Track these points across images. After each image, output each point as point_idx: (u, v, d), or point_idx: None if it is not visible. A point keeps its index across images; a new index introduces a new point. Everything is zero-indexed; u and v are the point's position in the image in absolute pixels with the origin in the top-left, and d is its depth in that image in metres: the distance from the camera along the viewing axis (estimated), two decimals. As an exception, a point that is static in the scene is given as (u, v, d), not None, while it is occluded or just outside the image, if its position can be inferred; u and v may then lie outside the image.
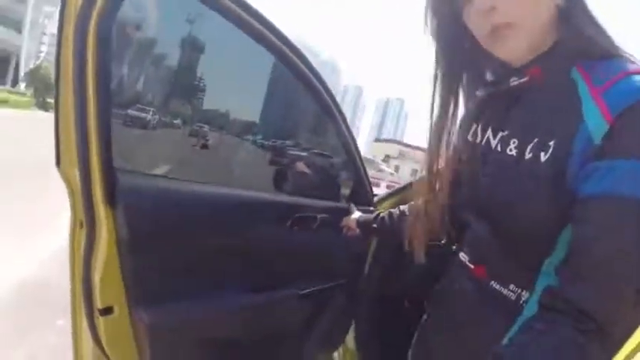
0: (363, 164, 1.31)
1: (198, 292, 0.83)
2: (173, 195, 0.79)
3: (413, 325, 0.84)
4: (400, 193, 1.42)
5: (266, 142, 1.19)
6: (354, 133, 1.27)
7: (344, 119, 1.20)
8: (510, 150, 0.55)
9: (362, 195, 1.31)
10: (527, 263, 0.54)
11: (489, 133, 0.60)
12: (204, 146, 1.03)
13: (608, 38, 0.52)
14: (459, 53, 0.61)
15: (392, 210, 0.96)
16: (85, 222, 0.71)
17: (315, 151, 1.35)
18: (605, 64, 0.49)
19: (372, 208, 1.30)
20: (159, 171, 0.87)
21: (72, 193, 0.75)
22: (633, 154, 0.43)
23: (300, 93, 1.10)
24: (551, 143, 0.50)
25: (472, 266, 0.65)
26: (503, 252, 0.59)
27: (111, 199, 0.69)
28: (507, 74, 0.58)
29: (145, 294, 0.75)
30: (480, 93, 0.63)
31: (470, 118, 0.65)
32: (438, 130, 0.62)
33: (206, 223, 0.84)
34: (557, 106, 0.51)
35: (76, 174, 0.70)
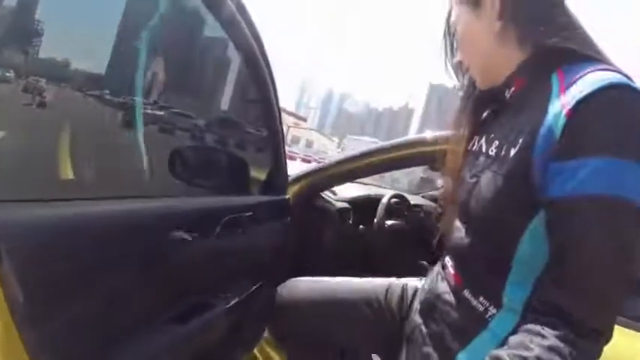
0: (284, 146, 1.21)
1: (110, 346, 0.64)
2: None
3: None
4: (313, 176, 1.37)
5: (150, 113, 0.88)
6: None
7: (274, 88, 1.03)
8: (492, 150, 0.58)
9: (277, 184, 1.21)
10: (496, 273, 0.55)
11: (483, 138, 0.64)
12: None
13: (586, 48, 0.54)
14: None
15: None
16: None
17: (222, 129, 1.15)
18: (581, 65, 0.51)
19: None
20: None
21: None
22: (595, 152, 0.43)
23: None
24: (520, 140, 0.52)
25: (452, 272, 0.66)
26: (476, 258, 0.61)
27: None
28: (501, 89, 0.62)
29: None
30: (486, 110, 0.69)
31: (474, 131, 0.69)
32: (453, 147, 0.70)
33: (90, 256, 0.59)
34: (534, 107, 0.52)
35: None
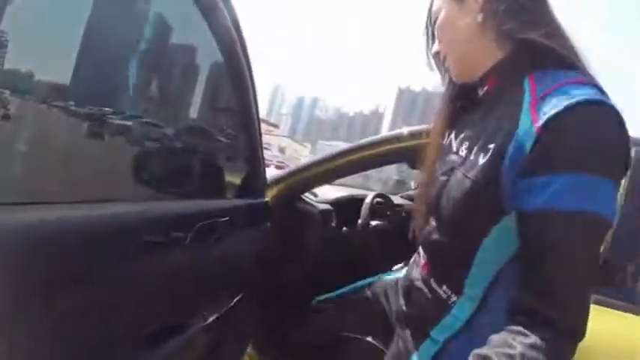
0: (262, 148, 1.12)
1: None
2: None
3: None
4: (291, 177, 1.29)
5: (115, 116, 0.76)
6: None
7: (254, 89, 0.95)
8: (462, 151, 0.59)
9: (255, 187, 1.12)
10: (459, 265, 0.58)
11: (453, 136, 0.65)
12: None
13: (565, 48, 0.53)
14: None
15: None
16: None
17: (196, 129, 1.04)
18: (554, 74, 0.51)
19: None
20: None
21: None
22: (565, 168, 0.45)
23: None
24: (491, 147, 0.52)
25: (423, 262, 0.69)
26: (443, 251, 0.64)
27: None
28: (475, 87, 0.63)
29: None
30: (458, 105, 0.69)
31: (447, 127, 0.70)
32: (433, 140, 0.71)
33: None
34: (504, 113, 0.53)
35: None
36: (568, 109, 0.45)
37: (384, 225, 1.56)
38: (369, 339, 0.96)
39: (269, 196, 1.27)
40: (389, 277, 0.92)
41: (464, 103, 0.68)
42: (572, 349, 0.47)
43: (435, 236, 0.64)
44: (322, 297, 1.08)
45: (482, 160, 0.52)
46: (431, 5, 0.67)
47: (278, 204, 1.29)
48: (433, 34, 0.67)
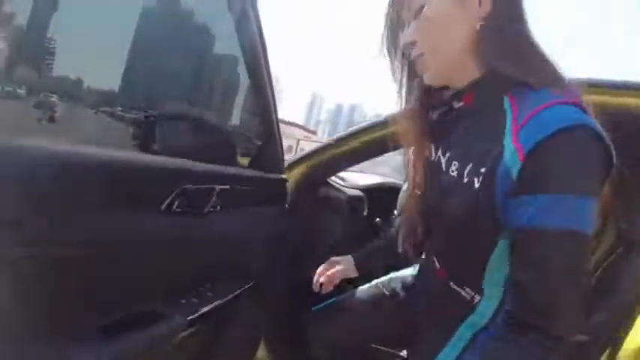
0: (277, 121, 0.97)
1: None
2: None
3: None
4: (312, 157, 1.13)
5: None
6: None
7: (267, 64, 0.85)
8: (453, 171, 0.59)
9: (271, 160, 0.97)
10: (475, 271, 0.61)
11: (440, 152, 0.64)
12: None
13: (545, 65, 0.54)
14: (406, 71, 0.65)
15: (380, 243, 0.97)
16: None
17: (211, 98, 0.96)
18: (534, 95, 0.51)
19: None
20: None
21: None
22: (550, 188, 0.48)
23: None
24: (483, 170, 0.53)
25: (438, 267, 0.71)
26: (457, 259, 0.66)
27: None
28: (451, 98, 0.62)
29: None
30: (433, 114, 0.68)
31: (426, 137, 0.68)
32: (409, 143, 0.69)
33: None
34: (488, 135, 0.54)
35: None
36: (548, 139, 0.47)
37: None
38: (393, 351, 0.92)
39: (290, 180, 1.11)
40: (402, 275, 0.91)
41: (439, 115, 0.66)
42: (561, 353, 0.50)
43: (447, 246, 0.67)
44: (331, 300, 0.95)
45: (477, 184, 0.54)
46: None
47: (301, 186, 1.14)
48: (399, 22, 0.60)
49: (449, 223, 0.60)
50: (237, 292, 0.79)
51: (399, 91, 0.66)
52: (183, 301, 0.64)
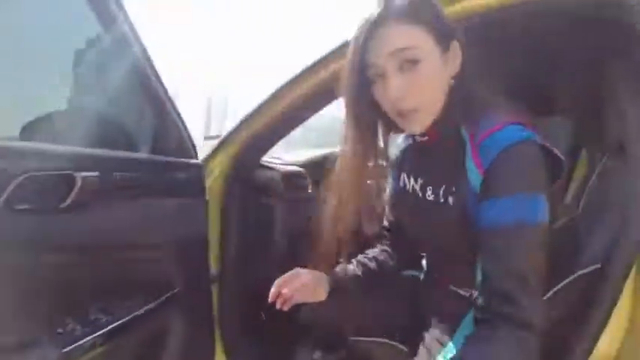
0: (171, 100, 0.82)
1: None
2: None
3: None
4: (230, 140, 0.98)
5: None
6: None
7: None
8: (429, 196, 0.67)
9: (175, 141, 0.81)
10: (466, 273, 0.64)
11: (413, 181, 0.72)
12: None
13: (494, 102, 0.62)
14: (368, 108, 0.64)
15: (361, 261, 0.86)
16: None
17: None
18: (484, 120, 0.59)
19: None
20: None
21: None
22: (504, 192, 0.56)
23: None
24: (454, 189, 0.62)
25: (436, 272, 0.79)
26: (449, 266, 0.73)
27: None
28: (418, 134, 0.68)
29: None
30: (400, 144, 0.78)
31: (396, 166, 0.77)
32: (351, 167, 0.68)
33: None
34: (453, 160, 0.62)
35: None
36: (501, 153, 0.56)
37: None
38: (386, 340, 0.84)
39: (216, 171, 0.96)
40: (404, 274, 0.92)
41: (407, 145, 0.76)
42: (531, 339, 0.53)
43: (436, 259, 0.78)
44: None
45: (453, 201, 0.62)
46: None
47: (229, 175, 0.99)
48: (373, 70, 0.59)
49: (437, 239, 0.69)
50: (156, 304, 0.62)
51: (356, 137, 0.64)
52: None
